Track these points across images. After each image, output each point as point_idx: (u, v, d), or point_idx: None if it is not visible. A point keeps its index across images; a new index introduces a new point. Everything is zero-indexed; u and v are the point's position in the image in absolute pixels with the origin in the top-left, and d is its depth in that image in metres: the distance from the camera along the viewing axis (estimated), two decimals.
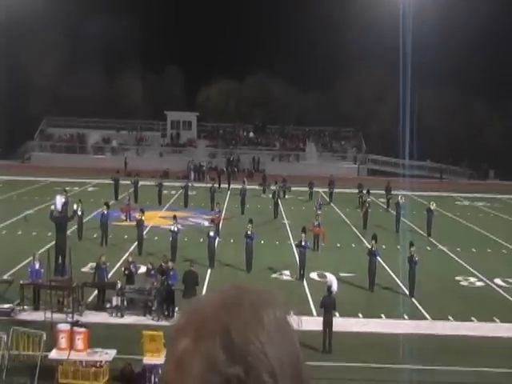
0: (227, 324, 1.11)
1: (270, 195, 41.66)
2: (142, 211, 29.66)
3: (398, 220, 35.74)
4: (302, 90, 69.20)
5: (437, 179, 61.43)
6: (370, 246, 25.26)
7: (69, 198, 34.88)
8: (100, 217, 30.46)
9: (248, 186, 42.38)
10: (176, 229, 27.48)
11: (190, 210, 39.87)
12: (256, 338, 1.10)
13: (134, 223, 29.90)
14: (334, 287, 19.25)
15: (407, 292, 23.65)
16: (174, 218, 28.49)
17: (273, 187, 42.43)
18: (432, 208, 34.88)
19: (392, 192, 42.82)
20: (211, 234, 26.92)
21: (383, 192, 44.33)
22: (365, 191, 40.92)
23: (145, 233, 30.11)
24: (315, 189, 46.20)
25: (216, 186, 43.54)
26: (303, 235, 25.69)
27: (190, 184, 44.17)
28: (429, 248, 31.87)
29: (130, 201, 36.54)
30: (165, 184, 43.99)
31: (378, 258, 25.35)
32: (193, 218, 37.78)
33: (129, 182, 42.87)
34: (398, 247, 30.33)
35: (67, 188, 39.64)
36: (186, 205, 40.89)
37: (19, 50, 63.14)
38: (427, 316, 21.54)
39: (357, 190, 44.44)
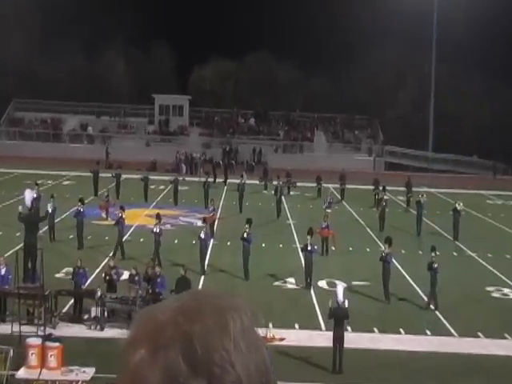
0: (188, 331, 1.11)
1: (272, 191, 41.67)
2: (123, 209, 29.73)
3: (420, 221, 35.69)
4: (310, 72, 69.18)
5: (470, 175, 61.24)
6: (383, 251, 25.19)
7: (41, 193, 34.83)
8: (75, 215, 30.42)
9: (248, 181, 42.44)
10: (158, 230, 27.54)
11: (180, 208, 39.87)
12: (221, 345, 1.11)
13: (113, 222, 29.89)
14: (340, 297, 19.19)
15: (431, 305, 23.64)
16: (158, 216, 28.61)
17: (275, 182, 42.44)
18: (459, 208, 34.79)
19: (413, 189, 42.77)
20: (202, 235, 26.96)
21: (402, 189, 44.29)
22: (381, 188, 40.90)
23: (129, 233, 30.09)
24: (324, 185, 46.18)
25: (211, 180, 43.53)
26: (309, 238, 25.70)
27: (180, 178, 44.12)
28: (455, 254, 31.86)
29: (109, 197, 36.43)
30: (152, 178, 43.96)
31: (396, 263, 25.33)
32: (184, 216, 37.77)
33: (110, 176, 42.85)
34: (420, 252, 30.35)
35: (39, 181, 39.56)
36: (176, 202, 40.88)
37: None
38: (453, 332, 21.51)
39: (372, 187, 44.42)
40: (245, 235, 26.57)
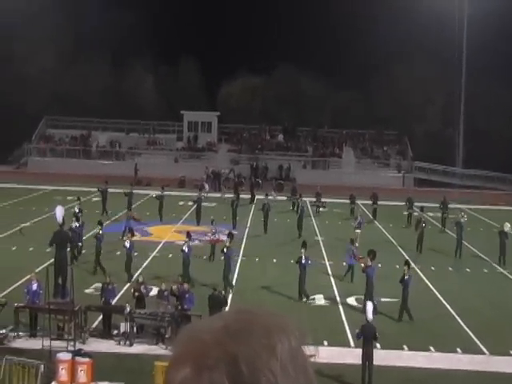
0: (234, 352, 1.10)
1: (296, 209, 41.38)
2: (101, 224, 30.01)
3: (460, 243, 34.19)
4: (338, 87, 69.08)
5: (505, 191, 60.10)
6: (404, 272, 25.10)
7: (82, 207, 34.47)
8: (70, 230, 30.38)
9: (278, 197, 42.49)
10: (128, 244, 27.68)
11: (209, 225, 39.84)
12: (268, 368, 1.10)
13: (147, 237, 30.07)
14: (369, 316, 19.12)
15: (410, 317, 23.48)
16: (130, 231, 29.16)
17: (301, 200, 42.02)
18: (506, 230, 33.30)
19: (449, 207, 41.99)
20: (185, 248, 26.87)
21: (433, 205, 43.73)
22: (418, 208, 39.89)
23: (157, 249, 30.30)
24: (357, 202, 45.60)
25: (233, 197, 42.32)
26: (303, 251, 25.77)
27: (204, 195, 43.29)
28: (486, 271, 31.58)
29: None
30: (182, 194, 44.23)
31: (427, 281, 25.23)
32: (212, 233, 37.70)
33: (140, 192, 42.98)
34: (450, 269, 30.21)
35: (69, 197, 39.76)
36: (199, 222, 39.71)
37: (14, 40, 63.76)
38: (484, 350, 21.30)
39: (404, 204, 43.94)
40: (224, 250, 26.66)
